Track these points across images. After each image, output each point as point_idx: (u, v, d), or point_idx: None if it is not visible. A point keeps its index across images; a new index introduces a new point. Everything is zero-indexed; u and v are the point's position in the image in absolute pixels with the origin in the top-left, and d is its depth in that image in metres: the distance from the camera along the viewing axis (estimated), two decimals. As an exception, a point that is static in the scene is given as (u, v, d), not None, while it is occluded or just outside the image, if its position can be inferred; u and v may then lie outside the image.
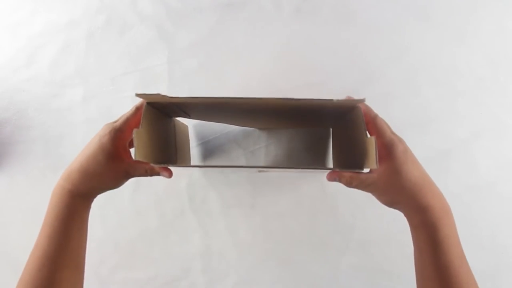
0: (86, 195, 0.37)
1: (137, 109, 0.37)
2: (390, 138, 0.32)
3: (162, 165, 0.36)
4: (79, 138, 0.52)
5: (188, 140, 0.50)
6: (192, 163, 0.51)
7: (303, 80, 0.49)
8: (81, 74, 0.52)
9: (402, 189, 0.32)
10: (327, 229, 0.50)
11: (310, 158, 0.50)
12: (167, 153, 0.42)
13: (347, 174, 0.34)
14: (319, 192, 0.50)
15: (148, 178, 0.39)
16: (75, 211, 0.36)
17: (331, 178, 0.36)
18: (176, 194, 0.51)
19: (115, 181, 0.37)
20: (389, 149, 0.32)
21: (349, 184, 0.35)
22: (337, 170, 0.35)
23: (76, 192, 0.35)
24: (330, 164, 0.49)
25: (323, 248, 0.51)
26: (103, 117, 0.51)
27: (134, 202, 0.51)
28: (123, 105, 0.51)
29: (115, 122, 0.36)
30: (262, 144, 0.50)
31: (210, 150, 0.51)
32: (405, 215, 0.35)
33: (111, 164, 0.35)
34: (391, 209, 0.35)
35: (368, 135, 0.32)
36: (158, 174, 0.37)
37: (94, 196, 0.38)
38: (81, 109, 0.52)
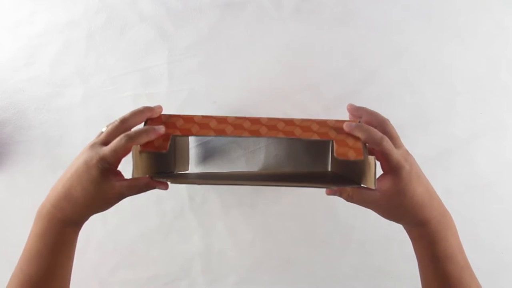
0: (77, 222, 0.36)
1: (130, 138, 0.33)
2: (397, 161, 0.32)
3: (161, 179, 0.34)
4: (79, 138, 0.52)
5: (188, 140, 0.50)
6: (191, 164, 0.50)
7: (303, 79, 0.49)
8: (81, 74, 0.51)
9: (404, 208, 0.33)
10: (327, 229, 0.50)
11: (311, 159, 0.50)
12: (165, 159, 0.41)
13: (348, 188, 0.34)
14: (319, 192, 0.50)
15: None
16: (67, 239, 0.35)
17: (330, 192, 0.35)
18: (176, 194, 0.51)
19: (107, 205, 0.36)
20: (395, 172, 0.32)
21: (349, 199, 0.34)
22: (337, 189, 0.34)
23: (66, 220, 0.34)
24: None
25: (323, 248, 0.51)
26: (103, 117, 0.51)
27: (134, 202, 0.51)
28: (123, 105, 0.51)
29: (102, 146, 0.34)
30: (262, 144, 0.50)
31: (210, 151, 0.51)
32: (405, 228, 0.36)
33: (103, 193, 0.34)
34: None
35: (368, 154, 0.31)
36: (154, 188, 0.35)
37: (86, 220, 0.37)
38: (81, 109, 0.52)
